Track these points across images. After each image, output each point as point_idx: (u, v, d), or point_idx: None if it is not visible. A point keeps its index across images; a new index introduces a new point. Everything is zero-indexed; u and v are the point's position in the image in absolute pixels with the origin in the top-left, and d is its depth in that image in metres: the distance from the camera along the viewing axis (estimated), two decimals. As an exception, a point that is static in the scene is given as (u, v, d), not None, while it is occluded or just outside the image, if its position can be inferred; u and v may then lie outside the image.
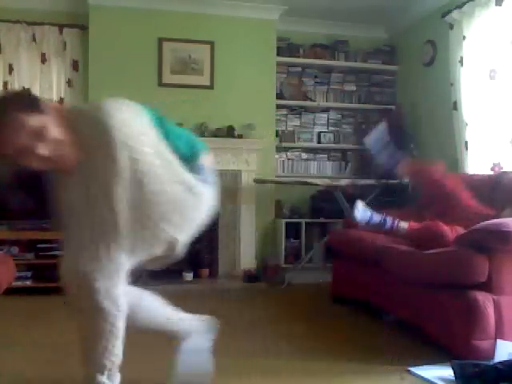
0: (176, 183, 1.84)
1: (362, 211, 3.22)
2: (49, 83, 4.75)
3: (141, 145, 1.75)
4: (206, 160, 1.98)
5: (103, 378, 1.83)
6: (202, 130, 4.84)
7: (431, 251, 2.80)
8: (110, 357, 1.83)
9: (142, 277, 4.61)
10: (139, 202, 1.77)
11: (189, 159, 1.89)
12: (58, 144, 1.72)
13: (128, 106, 1.81)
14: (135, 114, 1.80)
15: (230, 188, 4.94)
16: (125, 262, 1.79)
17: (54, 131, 1.71)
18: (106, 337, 1.80)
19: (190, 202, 1.88)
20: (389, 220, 3.19)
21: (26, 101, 1.71)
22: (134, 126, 1.77)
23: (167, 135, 1.84)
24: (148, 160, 1.76)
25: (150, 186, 1.77)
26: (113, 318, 1.79)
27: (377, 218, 3.21)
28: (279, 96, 5.20)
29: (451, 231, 2.93)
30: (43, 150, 1.69)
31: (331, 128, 5.46)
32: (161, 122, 1.85)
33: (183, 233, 1.90)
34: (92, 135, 1.75)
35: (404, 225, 3.17)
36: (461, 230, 2.89)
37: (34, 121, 1.66)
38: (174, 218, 1.85)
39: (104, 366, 1.83)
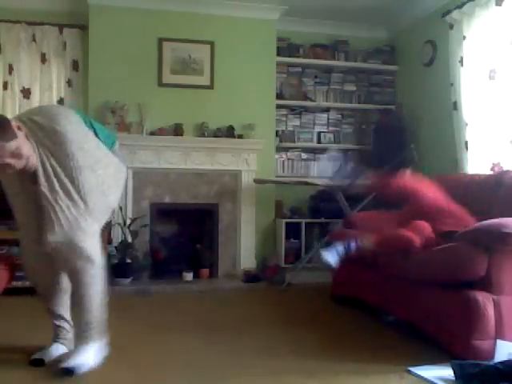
0: (111, 163, 2.51)
1: (330, 255, 3.05)
2: (49, 83, 4.75)
3: (85, 141, 2.37)
4: (117, 146, 2.64)
5: None
6: (202, 130, 4.84)
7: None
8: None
9: (143, 277, 4.63)
10: (95, 182, 2.37)
11: (109, 146, 2.54)
12: (28, 157, 2.25)
13: (69, 112, 2.44)
14: (76, 118, 2.39)
15: (230, 188, 4.94)
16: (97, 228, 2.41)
17: (25, 148, 2.22)
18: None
19: (121, 175, 2.61)
20: (352, 244, 3.09)
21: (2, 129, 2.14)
22: (80, 128, 2.38)
23: (95, 131, 2.47)
24: (92, 150, 2.40)
25: (99, 170, 2.40)
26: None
27: (341, 248, 3.11)
28: (279, 96, 5.20)
29: (418, 236, 2.91)
30: (19, 164, 2.25)
31: (331, 128, 5.46)
32: (90, 122, 2.47)
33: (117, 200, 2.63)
34: (47, 142, 2.27)
35: (367, 240, 3.09)
36: (429, 230, 2.93)
37: (11, 146, 2.17)
38: (116, 190, 2.55)
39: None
